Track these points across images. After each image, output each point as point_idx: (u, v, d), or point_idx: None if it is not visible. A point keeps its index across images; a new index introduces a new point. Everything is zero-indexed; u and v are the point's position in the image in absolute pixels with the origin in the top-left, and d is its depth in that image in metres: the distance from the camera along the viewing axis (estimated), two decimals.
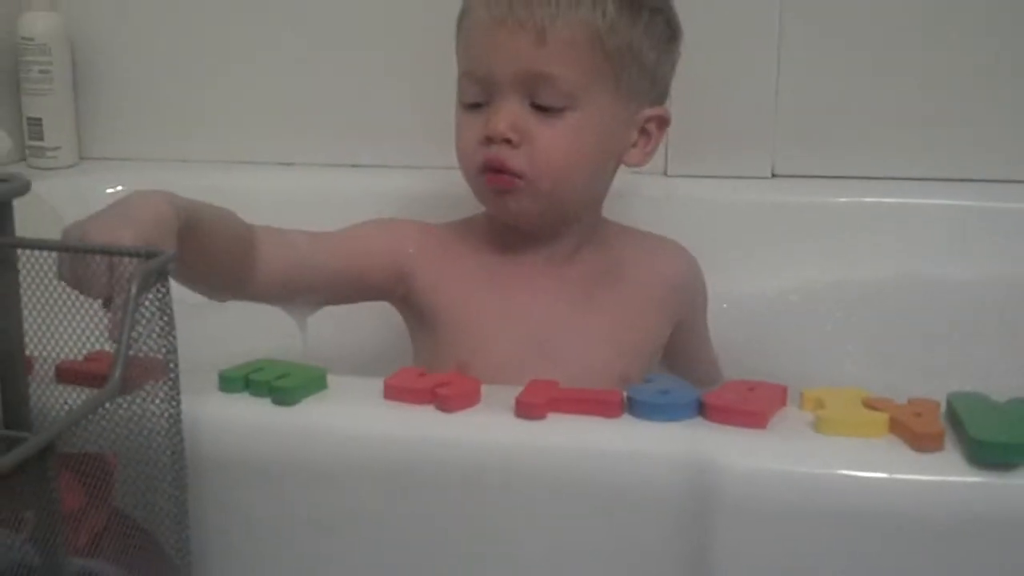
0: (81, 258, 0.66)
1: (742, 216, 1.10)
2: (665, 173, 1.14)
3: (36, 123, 1.23)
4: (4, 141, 1.20)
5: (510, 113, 0.84)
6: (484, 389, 0.68)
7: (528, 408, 0.65)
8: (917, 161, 1.12)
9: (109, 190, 1.19)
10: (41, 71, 1.21)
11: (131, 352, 0.58)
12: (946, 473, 0.60)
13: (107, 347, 0.67)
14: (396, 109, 1.20)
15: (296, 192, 1.18)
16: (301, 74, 1.22)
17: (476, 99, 0.86)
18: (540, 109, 0.84)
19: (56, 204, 1.08)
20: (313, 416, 0.68)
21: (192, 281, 0.79)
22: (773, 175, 1.14)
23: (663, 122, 0.91)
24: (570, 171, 0.86)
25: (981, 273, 1.04)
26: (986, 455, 0.59)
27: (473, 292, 0.88)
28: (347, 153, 1.21)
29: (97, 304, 0.68)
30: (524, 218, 0.88)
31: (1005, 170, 1.11)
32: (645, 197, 1.06)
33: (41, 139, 1.23)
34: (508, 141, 0.84)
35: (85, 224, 0.68)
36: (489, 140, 0.84)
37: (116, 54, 1.25)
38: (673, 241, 0.96)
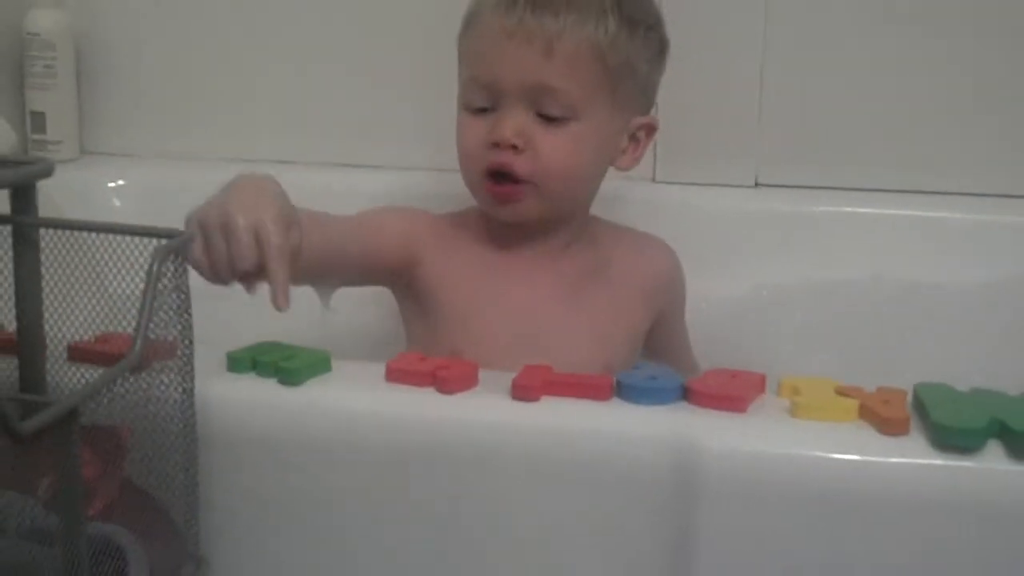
0: (229, 235, 0.69)
1: (726, 222, 1.14)
2: (654, 179, 1.17)
3: (39, 117, 1.25)
4: (8, 134, 1.22)
5: (516, 120, 0.87)
6: (482, 373, 0.71)
7: (524, 391, 0.69)
8: (893, 173, 1.16)
9: (110, 184, 1.22)
10: (46, 66, 1.24)
11: (151, 326, 0.62)
12: (911, 456, 0.63)
13: (119, 329, 0.71)
14: (394, 111, 1.23)
15: (295, 190, 1.19)
16: (302, 73, 1.25)
17: (481, 104, 0.89)
18: (544, 118, 0.88)
19: (56, 197, 1.10)
20: (317, 396, 0.71)
21: None
22: (756, 184, 1.18)
23: (651, 129, 0.95)
24: (571, 177, 0.90)
25: (949, 279, 1.08)
26: (948, 439, 0.63)
27: (471, 283, 0.92)
28: (346, 153, 1.24)
29: (107, 288, 0.71)
30: (525, 221, 0.91)
31: (976, 183, 1.15)
32: (635, 202, 1.10)
33: (44, 132, 1.25)
34: (513, 147, 0.87)
35: (225, 205, 0.71)
36: (495, 145, 0.88)
37: (119, 50, 1.28)
38: (657, 238, 1.00)
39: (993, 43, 1.14)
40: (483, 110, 0.89)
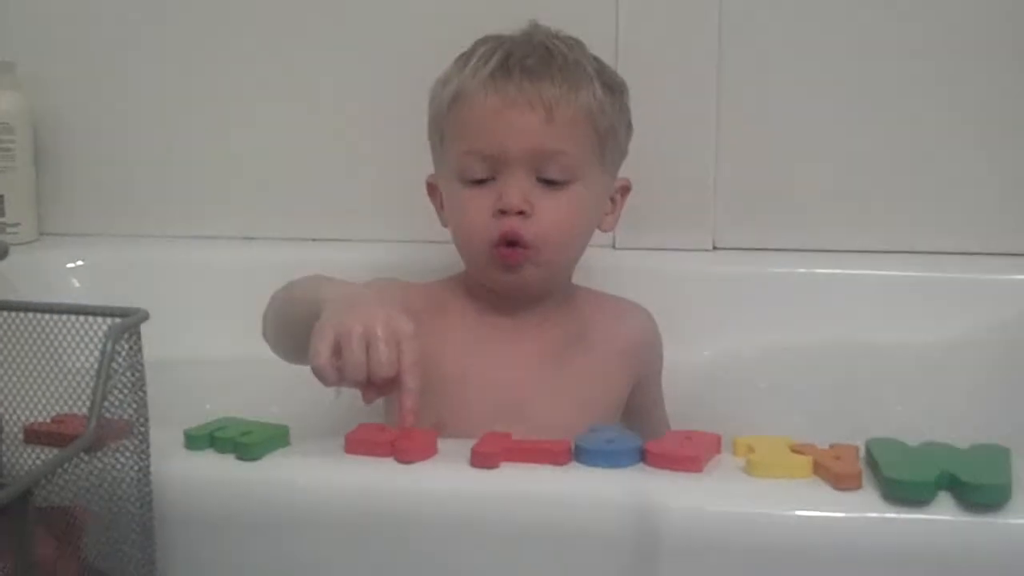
0: (370, 345, 0.73)
1: (686, 286, 1.15)
2: (614, 246, 1.19)
3: None
4: None
5: (522, 186, 0.89)
6: (441, 441, 0.72)
7: (483, 458, 0.69)
8: (845, 235, 1.19)
9: (69, 265, 1.21)
10: (3, 149, 1.24)
11: (105, 404, 0.62)
12: (863, 510, 0.64)
13: (77, 409, 0.71)
14: (354, 184, 1.24)
15: (256, 266, 1.20)
16: (263, 150, 1.25)
17: (481, 175, 0.91)
18: (544, 183, 0.90)
19: (15, 279, 1.10)
20: (276, 470, 0.71)
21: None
22: (714, 248, 1.20)
23: (627, 190, 0.99)
24: (572, 239, 0.93)
25: (905, 337, 1.10)
26: (899, 492, 0.64)
27: (458, 353, 0.92)
28: (307, 228, 1.24)
29: (63, 368, 0.71)
30: (528, 288, 0.93)
31: (929, 242, 1.17)
32: (597, 269, 1.10)
33: (2, 215, 1.24)
34: (521, 212, 0.89)
35: (367, 316, 0.75)
36: (503, 213, 0.89)
37: (77, 132, 1.28)
38: (634, 303, 1.01)
39: (940, 105, 1.17)
40: (481, 181, 0.91)
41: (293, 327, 0.83)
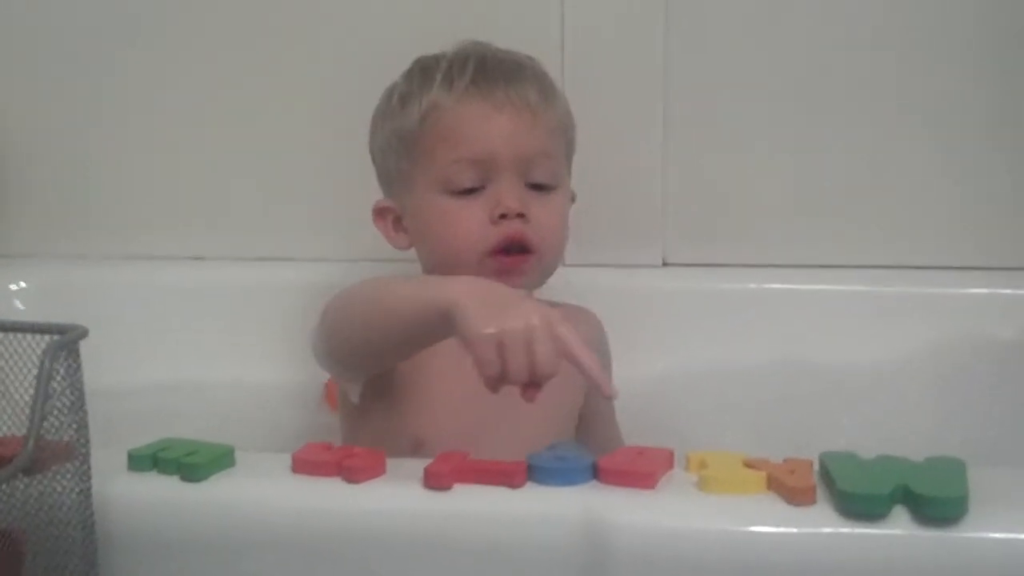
0: (532, 343, 0.69)
1: (636, 302, 1.15)
2: (564, 263, 1.18)
3: None
4: None
5: (517, 190, 0.90)
6: (389, 461, 0.70)
7: (435, 478, 0.68)
8: (795, 250, 1.19)
9: (12, 287, 1.19)
10: None
11: (44, 425, 0.60)
12: (818, 525, 0.64)
13: (13, 431, 0.69)
14: (302, 203, 1.22)
15: (205, 286, 1.19)
16: (207, 169, 1.24)
17: (470, 184, 0.90)
18: (533, 188, 0.91)
19: None
20: (221, 491, 0.70)
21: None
22: (664, 264, 1.20)
23: (573, 200, 0.99)
24: (560, 245, 0.95)
25: (857, 351, 1.10)
26: (853, 506, 0.63)
27: (435, 369, 0.90)
28: (256, 246, 1.23)
29: (8, 387, 0.69)
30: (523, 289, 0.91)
31: (881, 256, 1.18)
32: (546, 285, 1.10)
33: None
34: (520, 215, 0.89)
35: (522, 315, 0.71)
36: (502, 217, 0.89)
37: (20, 150, 1.25)
38: (581, 307, 1.01)
39: (889, 120, 1.17)
40: (470, 191, 0.90)
41: (393, 332, 0.80)
